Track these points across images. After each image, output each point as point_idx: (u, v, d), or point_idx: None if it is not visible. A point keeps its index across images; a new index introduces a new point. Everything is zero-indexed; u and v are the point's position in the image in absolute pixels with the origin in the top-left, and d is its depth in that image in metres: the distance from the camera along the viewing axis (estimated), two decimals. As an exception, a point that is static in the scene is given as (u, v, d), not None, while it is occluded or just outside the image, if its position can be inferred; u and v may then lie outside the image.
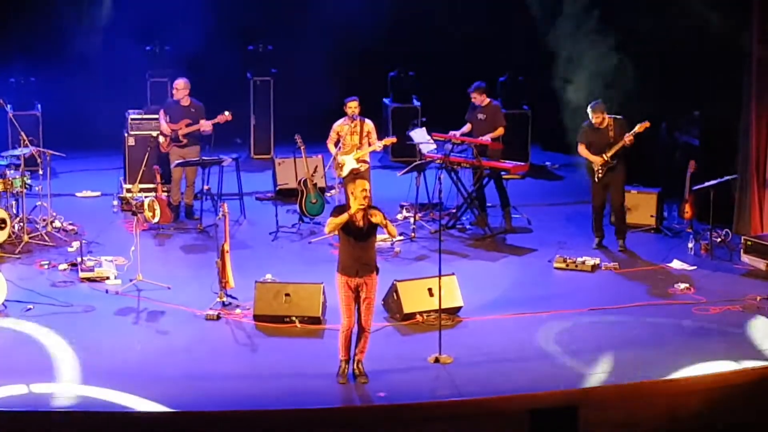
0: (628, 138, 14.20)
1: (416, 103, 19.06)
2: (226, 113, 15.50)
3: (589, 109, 14.39)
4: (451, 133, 15.40)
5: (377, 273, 10.70)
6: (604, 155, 14.37)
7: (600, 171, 14.46)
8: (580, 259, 13.89)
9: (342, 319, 10.71)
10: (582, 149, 14.56)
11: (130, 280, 13.01)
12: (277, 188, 16.72)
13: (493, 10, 18.91)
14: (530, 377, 10.78)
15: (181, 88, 15.49)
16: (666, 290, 13.17)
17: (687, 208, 14.99)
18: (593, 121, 14.37)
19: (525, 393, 10.42)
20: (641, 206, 15.40)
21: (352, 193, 10.58)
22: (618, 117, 14.47)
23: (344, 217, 10.46)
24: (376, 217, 10.47)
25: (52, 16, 17.94)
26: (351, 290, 10.59)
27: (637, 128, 14.26)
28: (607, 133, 14.40)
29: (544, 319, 12.28)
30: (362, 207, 10.46)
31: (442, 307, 11.79)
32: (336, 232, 10.61)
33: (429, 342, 11.39)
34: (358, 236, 10.52)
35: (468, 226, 15.36)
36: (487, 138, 15.19)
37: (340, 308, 10.75)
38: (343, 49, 18.72)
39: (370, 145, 14.88)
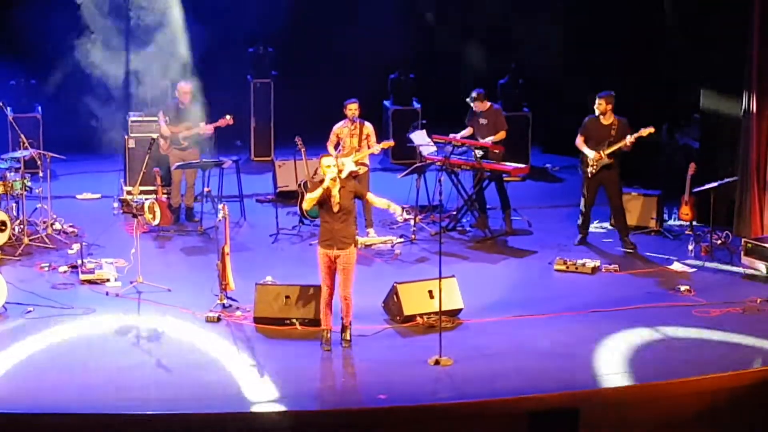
0: (629, 140, 14.21)
1: (416, 105, 19.06)
2: (228, 117, 15.51)
3: (597, 96, 14.45)
4: (451, 135, 15.41)
5: (356, 246, 11.43)
6: (601, 152, 14.39)
7: (594, 167, 14.47)
8: (580, 262, 13.88)
9: (322, 287, 11.47)
10: (580, 141, 14.60)
11: (131, 282, 13.01)
12: (278, 190, 16.73)
13: (494, 10, 18.95)
14: (530, 379, 10.77)
15: (186, 91, 15.49)
16: (666, 292, 13.17)
17: (687, 210, 14.99)
18: (596, 108, 14.41)
19: (525, 395, 10.41)
20: (642, 208, 15.40)
21: (323, 173, 11.31)
22: (623, 119, 14.48)
23: (318, 191, 11.21)
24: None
25: (53, 18, 17.92)
26: (330, 261, 11.30)
27: (642, 132, 14.26)
28: (609, 130, 14.42)
29: (545, 322, 12.28)
30: (334, 177, 11.18)
31: (443, 309, 11.78)
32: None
33: (429, 344, 11.39)
34: (335, 212, 11.23)
35: (468, 229, 15.36)
36: (488, 141, 15.18)
37: (320, 277, 11.43)
38: (344, 50, 18.74)
39: (369, 147, 14.88)
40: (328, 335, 11.41)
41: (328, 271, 11.34)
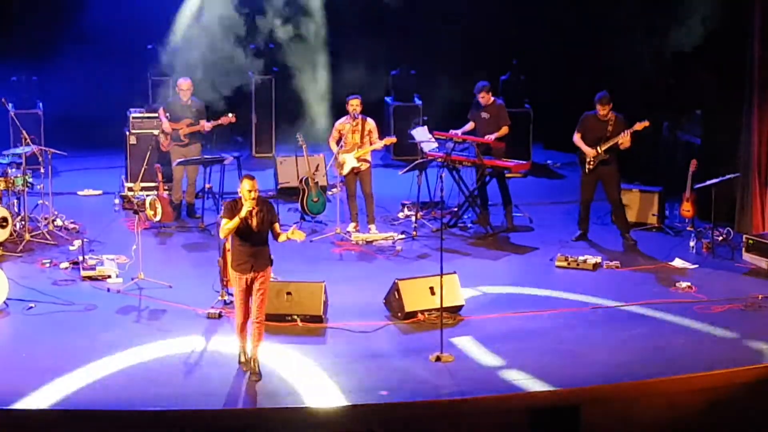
0: (627, 133, 14.19)
1: (418, 101, 19.05)
2: (230, 115, 15.53)
3: (596, 101, 14.41)
4: (452, 131, 15.41)
5: (271, 264, 10.79)
6: (597, 148, 14.40)
7: (591, 163, 14.49)
8: (581, 258, 13.89)
9: (237, 314, 10.81)
10: (577, 138, 14.61)
11: (132, 279, 13.02)
12: (279, 187, 16.73)
13: (494, 8, 18.92)
14: (531, 376, 10.77)
15: (185, 88, 15.50)
16: (668, 289, 13.17)
17: (688, 206, 14.99)
18: (599, 113, 14.40)
19: (526, 392, 10.42)
20: (643, 205, 15.40)
21: (241, 194, 10.56)
22: (619, 115, 14.49)
23: (236, 221, 10.52)
24: (288, 234, 10.64)
25: (54, 15, 17.95)
26: (246, 286, 10.67)
27: (636, 126, 14.28)
28: (606, 126, 14.44)
29: (546, 318, 12.28)
30: (252, 207, 10.49)
31: (444, 305, 11.78)
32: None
33: (430, 341, 11.39)
34: (252, 235, 10.61)
35: (470, 225, 15.36)
36: (490, 137, 15.18)
37: (235, 304, 10.82)
38: (345, 46, 18.72)
39: (371, 143, 14.88)
40: (245, 365, 10.79)
41: (245, 297, 10.69)
